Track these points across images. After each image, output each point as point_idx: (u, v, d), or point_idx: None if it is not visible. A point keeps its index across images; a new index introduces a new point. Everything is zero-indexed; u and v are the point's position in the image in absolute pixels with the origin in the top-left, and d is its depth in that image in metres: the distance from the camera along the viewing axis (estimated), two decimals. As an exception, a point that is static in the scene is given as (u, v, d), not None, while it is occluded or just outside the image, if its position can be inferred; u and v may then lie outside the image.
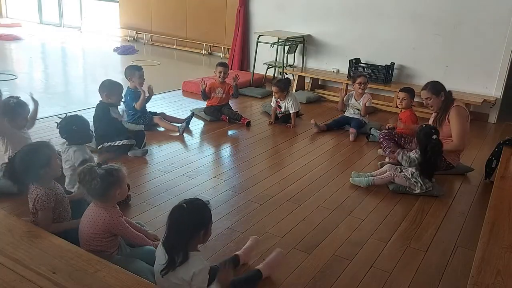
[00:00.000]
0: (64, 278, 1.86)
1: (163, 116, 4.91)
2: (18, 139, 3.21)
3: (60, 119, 3.07)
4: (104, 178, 2.24)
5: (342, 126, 5.13)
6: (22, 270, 1.90)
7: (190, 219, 1.94)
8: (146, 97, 4.70)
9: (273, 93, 5.21)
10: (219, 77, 5.24)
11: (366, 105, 5.09)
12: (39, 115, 3.64)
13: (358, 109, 5.14)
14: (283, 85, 5.16)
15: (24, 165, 2.38)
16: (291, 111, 5.15)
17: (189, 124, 4.84)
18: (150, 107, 4.94)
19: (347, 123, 5.11)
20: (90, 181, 2.23)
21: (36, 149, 2.47)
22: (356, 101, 5.15)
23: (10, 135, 3.23)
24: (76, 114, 3.18)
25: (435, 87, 4.08)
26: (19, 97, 3.32)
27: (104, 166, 2.32)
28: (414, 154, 3.62)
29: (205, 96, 5.23)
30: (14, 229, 2.21)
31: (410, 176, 3.61)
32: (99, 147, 3.97)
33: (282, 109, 5.20)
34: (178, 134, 4.64)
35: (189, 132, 4.79)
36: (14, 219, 2.32)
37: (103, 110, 3.99)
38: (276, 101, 5.22)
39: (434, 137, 3.57)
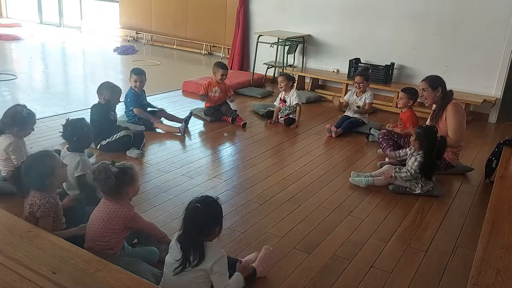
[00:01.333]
0: (64, 278, 1.86)
1: (163, 114, 4.91)
2: (20, 147, 3.20)
3: (66, 121, 3.06)
4: (118, 176, 2.29)
5: (354, 129, 5.08)
6: (22, 270, 1.90)
7: (206, 217, 2.01)
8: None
9: (279, 84, 5.24)
10: (220, 79, 5.24)
11: (367, 101, 5.10)
12: (38, 116, 3.62)
13: (358, 106, 5.14)
14: (289, 75, 5.34)
15: (30, 175, 2.40)
16: (294, 103, 5.17)
17: (187, 124, 4.84)
18: (151, 106, 4.96)
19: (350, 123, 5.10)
20: (105, 179, 2.28)
21: (40, 159, 2.47)
22: (357, 97, 5.17)
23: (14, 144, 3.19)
24: (83, 118, 3.17)
25: (434, 81, 4.09)
26: (25, 106, 3.29)
27: (117, 164, 2.36)
28: (414, 165, 3.59)
29: (205, 98, 5.24)
30: (14, 229, 2.21)
31: (410, 178, 3.60)
32: (98, 147, 3.98)
33: (287, 103, 5.20)
34: (179, 134, 4.64)
35: (189, 132, 4.79)
36: (14, 219, 2.32)
37: (99, 111, 3.99)
38: (282, 97, 5.23)
39: (438, 135, 3.58)
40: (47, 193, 2.43)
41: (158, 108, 4.96)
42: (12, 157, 3.14)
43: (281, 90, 5.26)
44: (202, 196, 2.09)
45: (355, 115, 5.14)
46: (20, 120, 3.17)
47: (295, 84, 6.02)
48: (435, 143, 3.54)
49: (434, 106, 4.20)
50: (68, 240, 2.28)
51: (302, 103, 5.40)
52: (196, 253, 1.98)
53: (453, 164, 4.05)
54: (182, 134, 4.63)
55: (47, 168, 2.43)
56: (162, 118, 4.92)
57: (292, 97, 5.18)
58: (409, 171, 3.59)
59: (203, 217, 2.00)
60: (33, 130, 3.35)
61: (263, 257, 2.51)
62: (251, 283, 2.38)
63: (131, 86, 4.75)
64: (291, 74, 5.79)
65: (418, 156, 3.60)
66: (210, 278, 2.04)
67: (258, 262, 2.47)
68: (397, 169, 3.67)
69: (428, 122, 4.16)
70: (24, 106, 3.26)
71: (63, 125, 3.06)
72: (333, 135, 4.88)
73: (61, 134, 3.08)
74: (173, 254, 2.06)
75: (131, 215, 2.36)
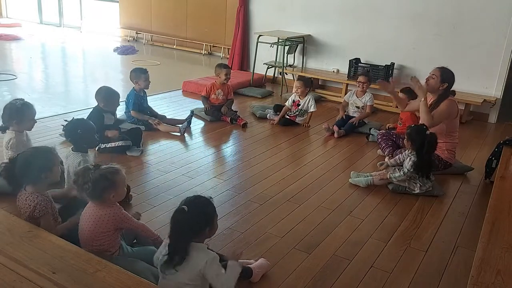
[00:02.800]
0: (64, 278, 1.86)
1: (164, 121, 4.84)
2: (20, 142, 3.19)
3: (66, 122, 3.07)
4: (97, 182, 2.24)
5: (356, 129, 5.07)
6: (22, 270, 1.90)
7: (193, 221, 1.95)
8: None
9: (295, 89, 5.21)
10: (225, 79, 5.22)
11: (368, 104, 5.10)
12: (38, 116, 3.63)
13: (358, 107, 5.14)
14: (307, 80, 5.38)
15: (27, 166, 2.39)
16: (310, 110, 5.18)
17: (190, 124, 4.83)
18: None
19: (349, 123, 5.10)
20: (83, 184, 2.25)
21: (41, 152, 2.48)
22: (358, 98, 5.16)
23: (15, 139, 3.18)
24: (83, 118, 3.18)
25: (446, 74, 4.04)
26: (23, 99, 3.30)
27: (103, 167, 2.32)
28: (407, 164, 3.59)
29: (206, 101, 5.24)
30: (14, 229, 2.21)
31: (408, 178, 3.60)
32: (97, 149, 3.98)
33: (300, 107, 5.20)
34: (179, 134, 4.63)
35: (189, 132, 4.79)
36: (14, 219, 2.32)
37: (97, 115, 3.99)
38: (295, 100, 5.21)
39: (428, 132, 3.58)
40: (38, 189, 2.43)
41: (159, 115, 4.91)
42: (9, 152, 3.13)
43: (296, 93, 5.23)
44: (193, 196, 2.04)
45: (355, 115, 5.14)
46: (15, 111, 3.17)
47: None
48: (425, 140, 3.54)
49: (430, 100, 4.18)
50: (66, 237, 2.28)
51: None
52: (179, 252, 1.94)
53: (451, 163, 4.05)
54: (181, 135, 4.63)
55: (47, 162, 2.44)
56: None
57: (309, 104, 5.17)
58: (402, 170, 3.60)
59: (188, 219, 1.93)
60: (35, 122, 3.36)
61: (260, 264, 2.51)
62: (242, 278, 2.36)
63: (133, 87, 4.73)
64: (310, 79, 5.78)
65: (412, 155, 3.61)
66: (208, 281, 2.01)
67: (256, 266, 2.47)
68: (391, 170, 3.68)
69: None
70: (21, 99, 3.27)
71: (63, 126, 3.07)
72: (336, 135, 4.87)
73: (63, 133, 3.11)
74: (162, 254, 2.04)
75: (120, 216, 2.31)
